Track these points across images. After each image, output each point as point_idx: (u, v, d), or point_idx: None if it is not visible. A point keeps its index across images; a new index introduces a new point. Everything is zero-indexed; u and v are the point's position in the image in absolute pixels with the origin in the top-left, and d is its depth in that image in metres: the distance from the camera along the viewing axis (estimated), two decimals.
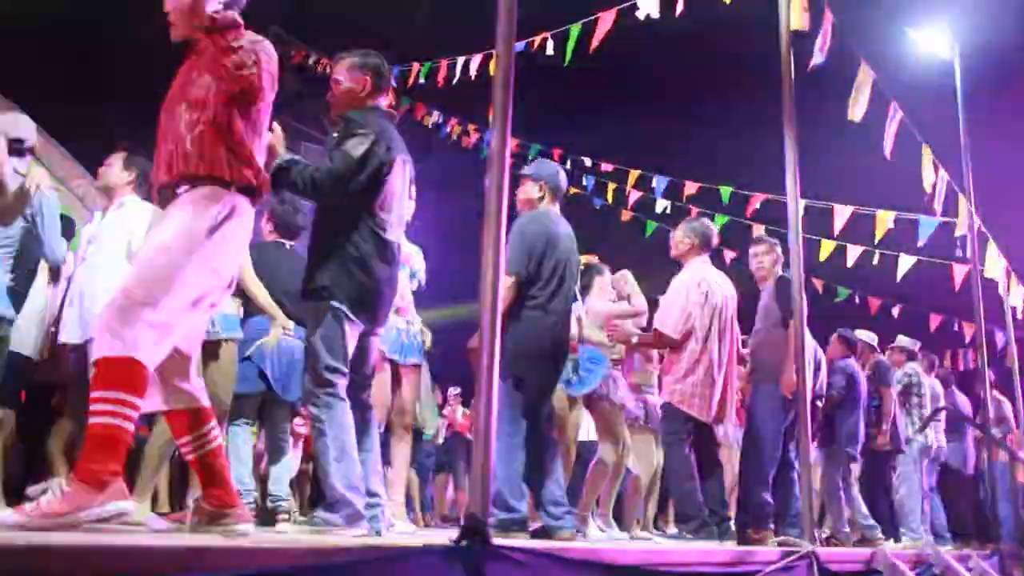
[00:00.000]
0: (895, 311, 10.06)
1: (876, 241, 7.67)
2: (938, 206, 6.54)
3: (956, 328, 10.02)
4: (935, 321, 9.94)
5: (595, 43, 6.59)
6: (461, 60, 8.27)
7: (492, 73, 2.51)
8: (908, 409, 7.55)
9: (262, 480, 5.54)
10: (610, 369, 5.70)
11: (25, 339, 4.43)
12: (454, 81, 8.31)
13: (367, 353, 3.57)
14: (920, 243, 7.23)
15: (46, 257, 4.23)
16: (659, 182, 9.01)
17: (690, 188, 8.82)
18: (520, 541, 3.49)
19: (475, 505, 2.17)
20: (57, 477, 3.72)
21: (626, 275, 5.94)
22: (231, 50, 2.61)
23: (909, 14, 7.40)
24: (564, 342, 4.44)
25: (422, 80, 8.72)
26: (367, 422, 3.53)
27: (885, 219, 7.29)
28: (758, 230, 8.08)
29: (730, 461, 6.64)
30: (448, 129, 9.78)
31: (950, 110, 7.06)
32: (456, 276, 6.20)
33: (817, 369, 5.97)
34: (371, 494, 3.40)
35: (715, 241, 5.37)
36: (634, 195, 9.23)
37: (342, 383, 3.33)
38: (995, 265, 7.42)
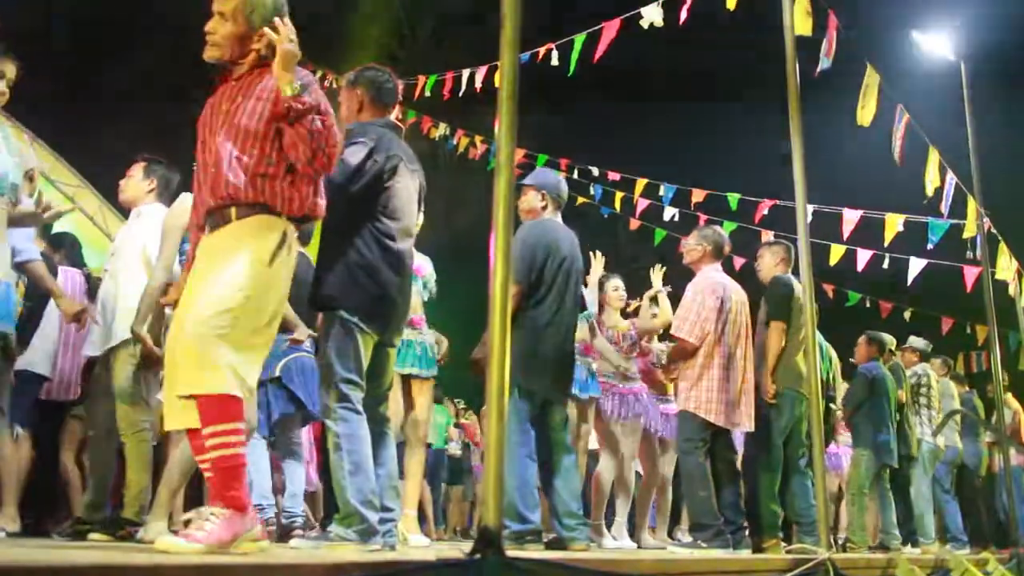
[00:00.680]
0: (907, 315, 10.02)
1: (886, 244, 7.65)
2: (944, 208, 6.52)
3: (968, 331, 9.97)
4: (947, 324, 9.89)
5: (599, 53, 6.61)
6: (466, 72, 8.30)
7: (497, 85, 2.51)
8: (916, 409, 7.49)
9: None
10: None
11: (41, 360, 4.57)
12: (460, 93, 8.34)
13: (384, 365, 3.52)
14: (930, 246, 7.20)
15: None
16: (667, 190, 9.02)
17: (698, 195, 8.83)
18: (534, 553, 3.48)
19: (488, 517, 2.17)
20: (162, 504, 3.68)
21: (662, 293, 6.00)
22: (300, 88, 2.66)
23: (914, 17, 7.39)
24: (569, 350, 4.43)
25: (427, 93, 8.76)
26: (384, 435, 3.50)
27: (894, 222, 7.26)
28: (767, 236, 8.06)
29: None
30: (455, 141, 9.81)
31: (957, 112, 7.03)
32: (460, 286, 6.22)
33: None
34: (385, 509, 3.37)
35: (727, 248, 5.39)
36: (642, 203, 9.24)
37: (358, 396, 3.30)
38: (1007, 267, 7.37)
